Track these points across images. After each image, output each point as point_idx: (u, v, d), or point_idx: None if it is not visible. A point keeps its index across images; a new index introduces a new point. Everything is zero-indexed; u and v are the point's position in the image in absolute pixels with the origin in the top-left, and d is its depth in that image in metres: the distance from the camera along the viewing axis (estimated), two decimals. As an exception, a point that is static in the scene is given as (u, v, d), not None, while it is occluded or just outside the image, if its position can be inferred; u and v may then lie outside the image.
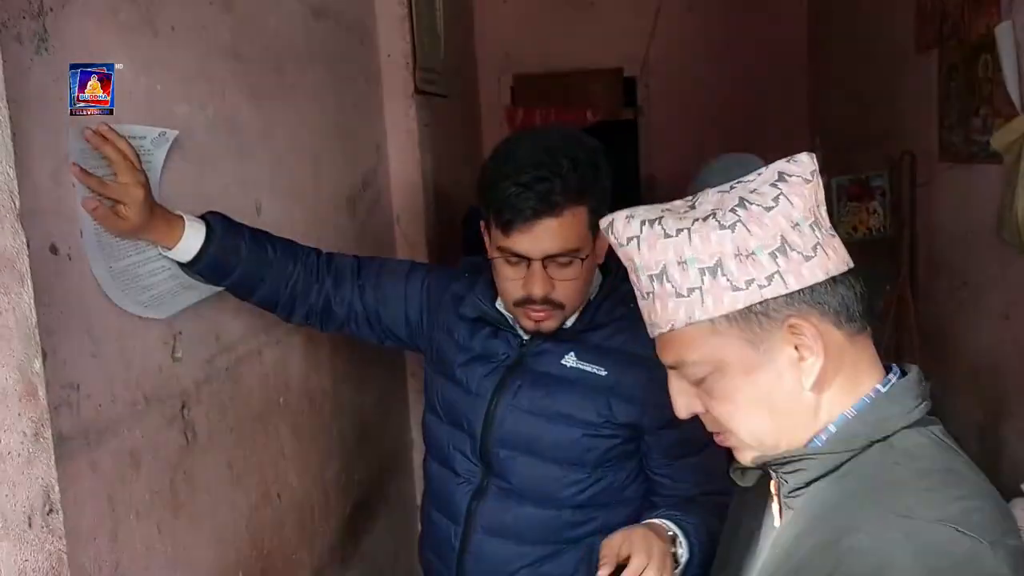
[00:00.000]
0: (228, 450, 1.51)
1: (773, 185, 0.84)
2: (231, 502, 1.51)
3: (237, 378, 1.57)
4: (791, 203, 0.83)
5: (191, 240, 1.33)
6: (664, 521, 1.33)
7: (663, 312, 0.87)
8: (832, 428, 0.86)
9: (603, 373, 1.46)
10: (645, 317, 0.92)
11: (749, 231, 0.83)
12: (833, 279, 0.84)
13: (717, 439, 0.93)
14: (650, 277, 0.87)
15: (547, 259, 1.37)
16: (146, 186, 1.20)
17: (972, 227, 3.06)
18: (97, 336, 1.14)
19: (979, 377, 3.08)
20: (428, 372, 1.65)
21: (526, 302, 1.41)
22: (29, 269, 0.84)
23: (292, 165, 1.88)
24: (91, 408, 1.12)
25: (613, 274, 1.49)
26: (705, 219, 0.85)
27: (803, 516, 0.86)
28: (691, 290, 0.85)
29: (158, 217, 1.25)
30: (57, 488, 0.85)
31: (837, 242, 0.87)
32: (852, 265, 0.87)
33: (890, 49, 3.66)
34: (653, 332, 0.91)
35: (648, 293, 0.89)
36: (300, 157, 1.93)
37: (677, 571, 1.27)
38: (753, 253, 0.83)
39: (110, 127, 1.15)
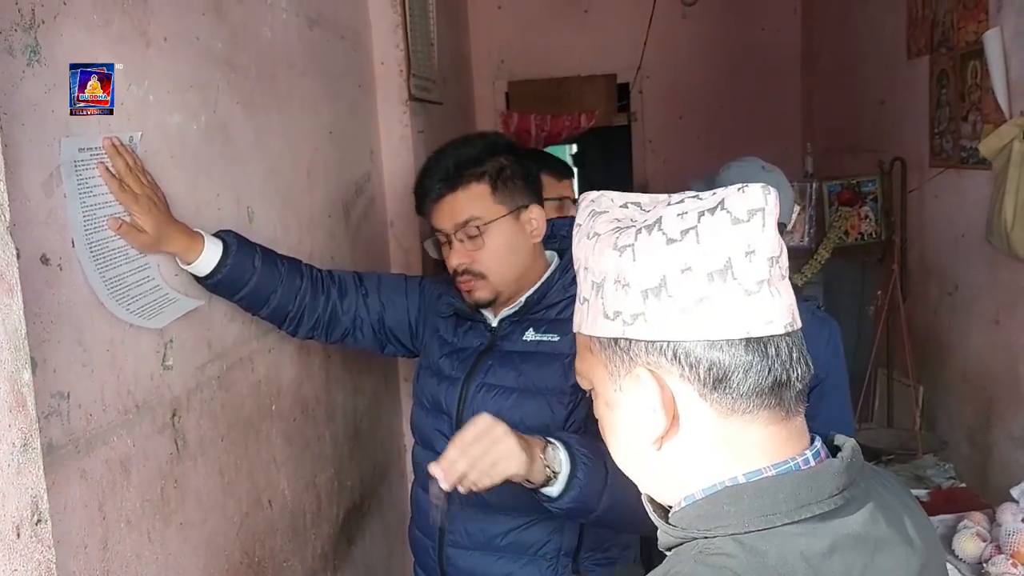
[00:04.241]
0: (219, 457, 1.52)
1: (701, 214, 0.71)
2: (222, 510, 1.52)
3: (228, 386, 1.58)
4: (697, 241, 0.71)
5: (209, 255, 1.44)
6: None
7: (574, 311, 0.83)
8: (683, 503, 0.75)
9: (556, 339, 1.57)
10: None
11: (635, 259, 0.72)
12: (710, 342, 0.71)
13: None
14: (575, 271, 0.83)
15: (459, 231, 1.57)
16: (158, 200, 1.29)
17: (963, 232, 3.08)
18: (88, 345, 1.15)
19: (969, 381, 3.10)
20: (418, 371, 1.76)
21: (455, 275, 1.61)
22: (19, 280, 0.85)
23: (285, 172, 1.89)
24: (81, 417, 1.12)
25: (568, 255, 1.62)
26: (616, 231, 0.76)
27: None
28: (585, 300, 0.79)
29: (178, 231, 1.37)
30: (46, 498, 0.86)
31: (755, 301, 0.71)
32: (763, 333, 0.71)
33: (881, 56, 3.68)
34: None
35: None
36: (293, 164, 1.94)
37: (558, 481, 1.26)
38: (628, 284, 0.73)
39: (115, 140, 1.21)
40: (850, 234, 3.68)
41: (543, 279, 1.62)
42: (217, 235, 1.48)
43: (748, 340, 0.71)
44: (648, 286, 0.72)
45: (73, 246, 1.13)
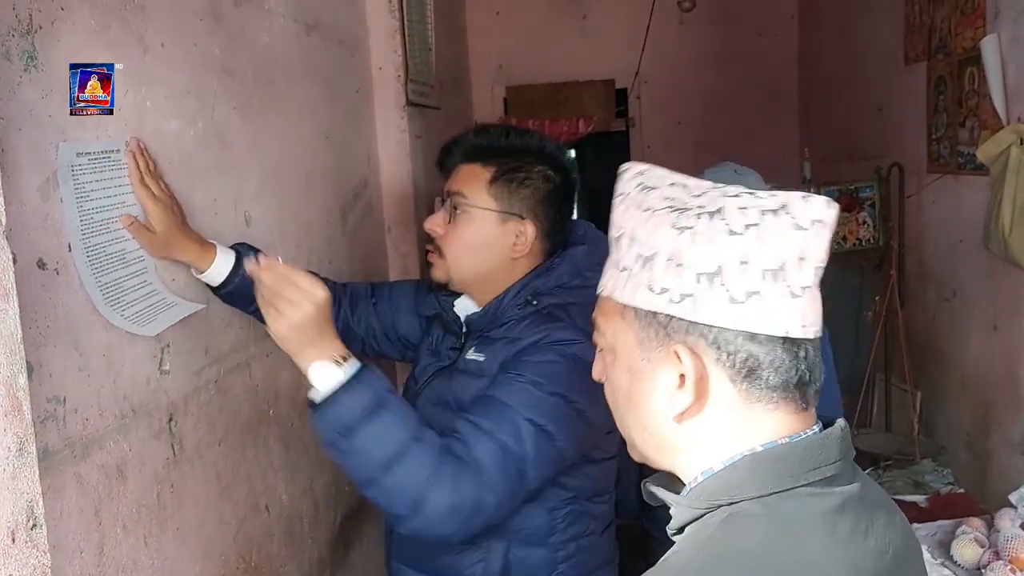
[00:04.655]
0: (216, 462, 1.51)
1: (763, 212, 0.75)
2: (219, 514, 1.51)
3: (226, 390, 1.57)
4: (759, 240, 0.74)
5: (221, 264, 1.46)
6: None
7: (604, 274, 0.86)
8: (700, 478, 0.80)
9: (482, 359, 1.54)
10: None
11: (693, 242, 0.76)
12: (750, 335, 0.75)
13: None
14: (613, 237, 0.85)
15: (448, 199, 1.57)
16: (172, 205, 1.32)
17: (960, 238, 3.08)
18: (84, 349, 1.15)
19: (968, 387, 3.10)
20: None
21: (426, 241, 1.62)
22: (15, 284, 0.85)
23: (283, 177, 1.89)
24: (78, 421, 1.12)
25: (534, 271, 1.57)
26: (673, 211, 0.78)
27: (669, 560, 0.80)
28: (625, 269, 0.81)
29: (192, 240, 1.39)
30: (41, 503, 0.85)
31: (796, 305, 0.76)
32: (797, 335, 0.76)
33: (879, 62, 3.69)
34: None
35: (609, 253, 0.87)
36: (291, 169, 1.94)
37: (318, 394, 1.26)
38: (682, 265, 0.76)
39: (141, 142, 1.27)
40: (848, 240, 3.69)
41: (492, 301, 1.56)
42: (233, 247, 1.50)
43: (785, 339, 0.76)
44: (704, 271, 0.75)
45: (70, 251, 1.13)
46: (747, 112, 4.74)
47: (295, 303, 1.24)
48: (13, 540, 0.82)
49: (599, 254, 1.51)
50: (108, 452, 1.19)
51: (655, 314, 0.78)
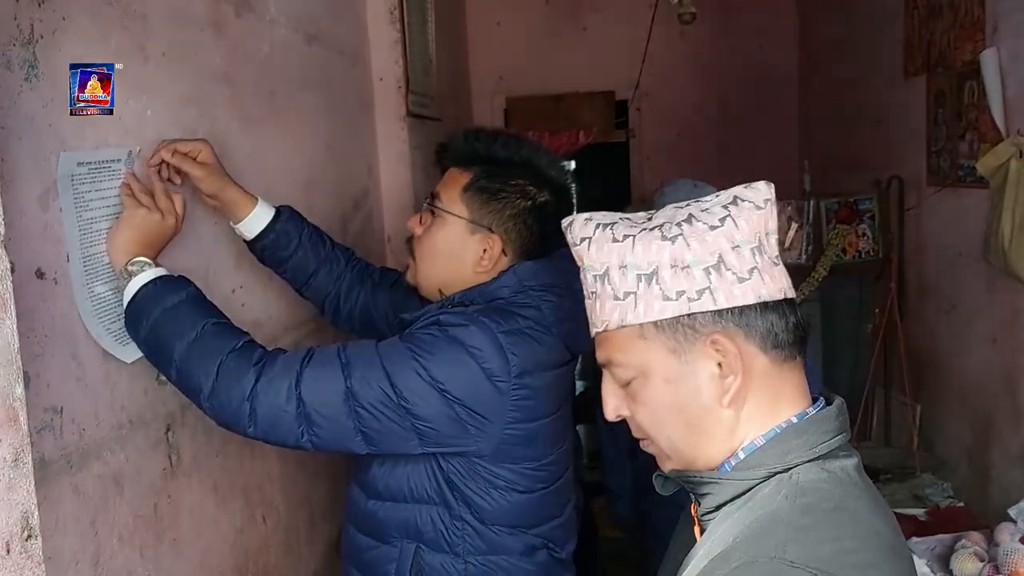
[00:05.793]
0: (213, 473, 1.51)
1: (725, 207, 0.87)
2: (216, 525, 1.51)
3: (224, 401, 1.57)
4: (736, 225, 0.86)
5: (260, 217, 1.53)
6: None
7: (600, 312, 0.91)
8: (741, 454, 0.87)
9: None
10: (588, 316, 0.95)
11: (688, 245, 0.86)
12: (764, 304, 0.86)
13: (642, 444, 0.95)
14: (595, 277, 0.91)
15: (428, 200, 1.54)
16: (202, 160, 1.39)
17: (960, 251, 3.08)
18: (82, 359, 1.14)
19: (967, 400, 3.09)
20: None
21: (407, 240, 1.59)
22: (13, 294, 0.85)
23: (283, 187, 1.89)
24: (75, 431, 1.12)
25: (479, 285, 1.48)
26: (651, 229, 0.88)
27: (712, 538, 0.86)
28: (627, 294, 0.88)
29: (234, 187, 1.47)
30: (37, 514, 0.85)
31: (779, 271, 0.89)
32: (791, 295, 0.89)
33: (879, 75, 3.70)
34: (592, 331, 0.95)
35: (592, 292, 0.93)
36: (291, 179, 1.94)
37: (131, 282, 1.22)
38: (688, 266, 0.86)
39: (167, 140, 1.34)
40: (848, 252, 3.69)
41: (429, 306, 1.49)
42: (277, 208, 1.57)
43: (785, 300, 0.88)
44: (708, 264, 0.86)
45: (68, 260, 1.13)
46: (747, 124, 4.75)
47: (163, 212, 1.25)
48: (8, 551, 0.81)
49: (552, 270, 1.49)
50: (105, 463, 1.18)
51: (678, 318, 0.86)
